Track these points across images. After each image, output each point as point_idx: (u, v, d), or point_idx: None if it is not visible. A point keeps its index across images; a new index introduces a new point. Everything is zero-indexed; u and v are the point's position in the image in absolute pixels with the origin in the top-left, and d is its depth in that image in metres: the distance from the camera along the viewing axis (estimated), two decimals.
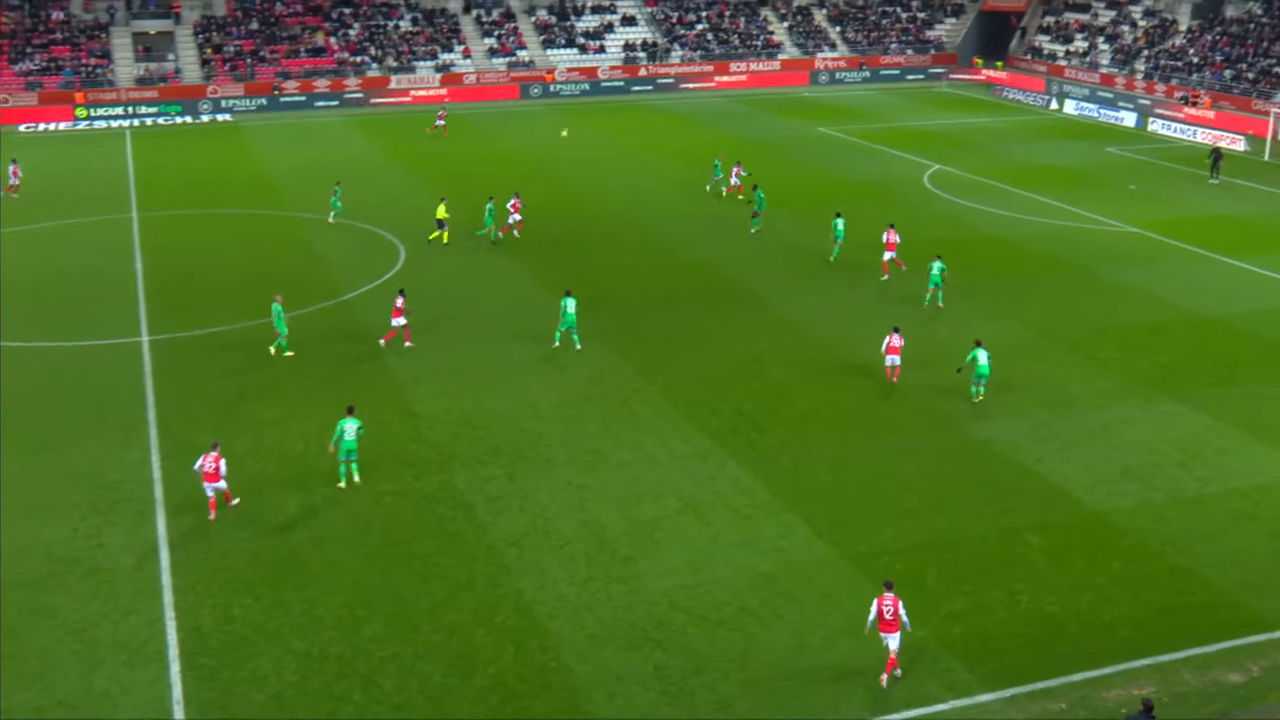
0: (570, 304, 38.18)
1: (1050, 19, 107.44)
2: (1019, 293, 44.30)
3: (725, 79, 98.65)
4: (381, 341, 38.38)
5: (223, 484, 28.50)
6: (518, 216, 50.50)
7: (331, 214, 53.12)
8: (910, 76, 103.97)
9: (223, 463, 28.43)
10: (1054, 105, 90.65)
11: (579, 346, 38.35)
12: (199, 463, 28.51)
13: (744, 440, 32.34)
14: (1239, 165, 68.40)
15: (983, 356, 34.61)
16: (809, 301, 43.28)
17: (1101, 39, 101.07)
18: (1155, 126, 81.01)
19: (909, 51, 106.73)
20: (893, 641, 23.17)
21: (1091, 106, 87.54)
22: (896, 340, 35.74)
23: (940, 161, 66.82)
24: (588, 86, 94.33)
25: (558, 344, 38.39)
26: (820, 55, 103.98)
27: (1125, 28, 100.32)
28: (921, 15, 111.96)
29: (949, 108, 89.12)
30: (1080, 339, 39.75)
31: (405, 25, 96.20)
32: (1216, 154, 66.73)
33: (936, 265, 42.15)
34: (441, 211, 50.08)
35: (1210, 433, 33.00)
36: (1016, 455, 31.66)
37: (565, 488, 29.91)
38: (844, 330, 40.20)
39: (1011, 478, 30.50)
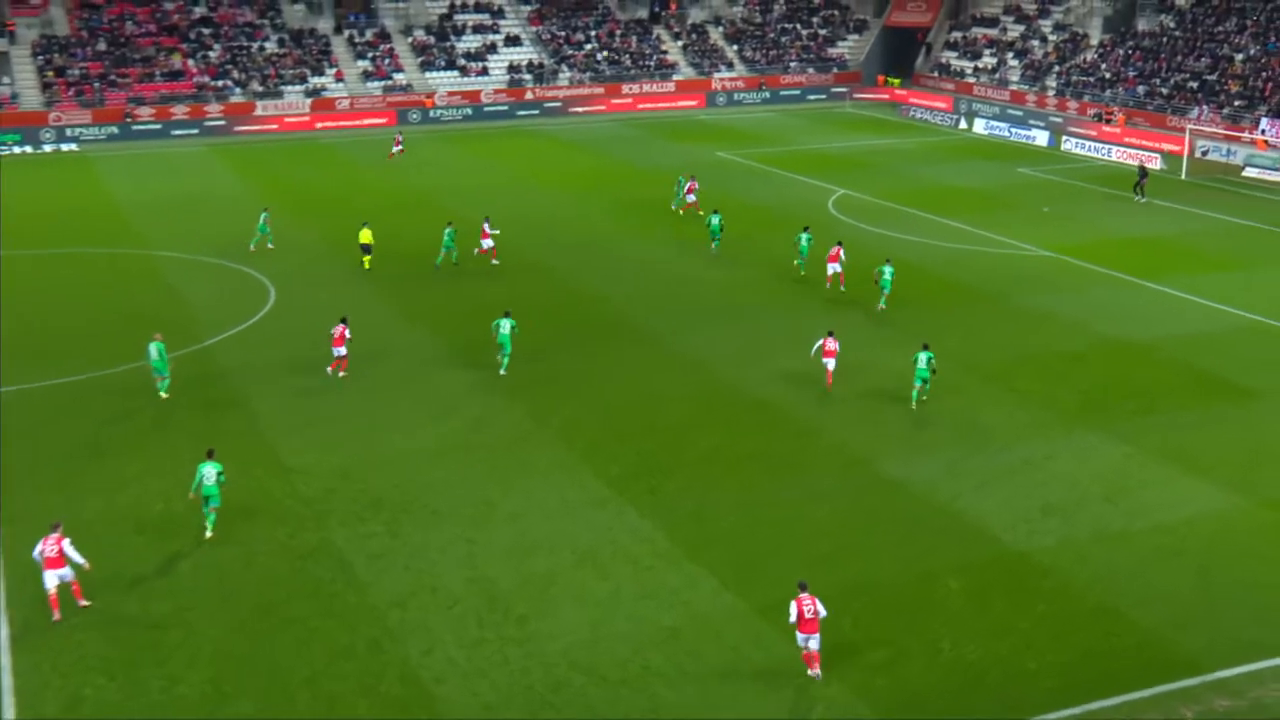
0: (505, 325, 39.56)
1: (958, 34, 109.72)
2: (930, 322, 44.88)
3: (617, 102, 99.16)
4: (329, 369, 39.54)
5: (70, 572, 26.38)
6: (489, 242, 51.76)
7: (253, 242, 54.03)
8: (812, 97, 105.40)
9: (67, 544, 26.36)
10: (963, 124, 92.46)
11: (503, 372, 39.51)
12: (38, 548, 26.43)
13: (644, 485, 32.23)
14: (1156, 184, 70.14)
15: (923, 359, 36.89)
16: (711, 335, 43.45)
17: (1011, 55, 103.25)
18: (1069, 145, 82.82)
19: (810, 70, 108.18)
20: (813, 642, 24.58)
21: (1002, 125, 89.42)
22: (832, 344, 38.33)
23: (845, 186, 67.65)
24: (470, 111, 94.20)
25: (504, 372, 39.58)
26: (717, 75, 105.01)
27: (1035, 43, 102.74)
28: (823, 32, 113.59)
29: (853, 129, 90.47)
30: (996, 369, 40.32)
31: (271, 47, 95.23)
32: (1142, 172, 68.33)
33: (888, 270, 46.04)
34: (366, 235, 51.83)
35: (1134, 464, 33.55)
36: (932, 494, 31.91)
37: (452, 542, 29.54)
38: (749, 366, 40.35)
39: (928, 518, 30.72)
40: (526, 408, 37.04)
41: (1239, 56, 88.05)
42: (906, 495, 31.85)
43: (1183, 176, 72.79)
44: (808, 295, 47.72)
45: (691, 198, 59.59)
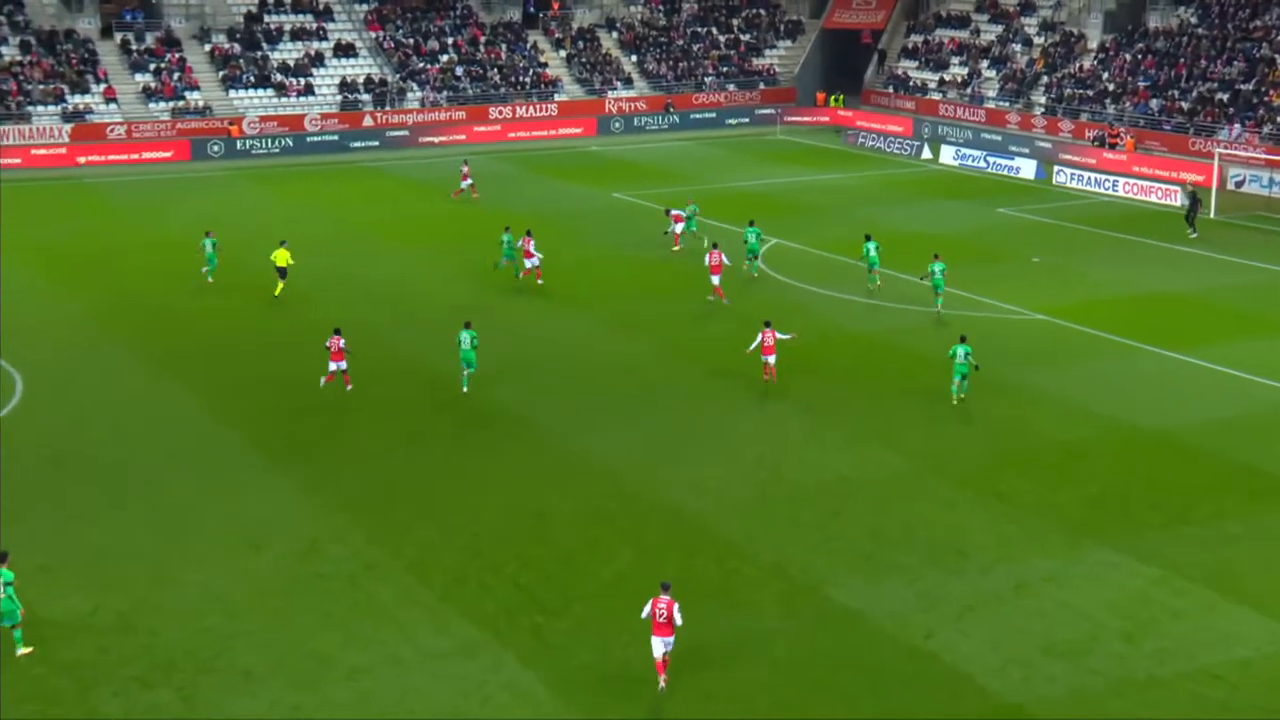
0: (466, 338, 45.90)
1: (917, 38, 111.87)
2: (888, 409, 45.46)
3: (483, 129, 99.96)
4: (323, 381, 46.27)
5: None
6: (534, 261, 58.85)
7: (207, 269, 59.97)
8: (733, 120, 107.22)
9: None
10: (926, 153, 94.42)
11: (465, 389, 46.01)
12: None
13: (526, 626, 32.17)
14: (1175, 225, 71.83)
15: (961, 353, 44.45)
16: (612, 427, 43.79)
17: (986, 63, 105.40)
18: (1062, 178, 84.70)
19: (730, 87, 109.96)
20: (662, 646, 28.93)
21: (976, 153, 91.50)
22: (771, 338, 45.83)
23: (777, 234, 68.53)
24: (290, 142, 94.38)
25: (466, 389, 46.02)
26: (611, 94, 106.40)
27: (1017, 47, 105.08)
28: (746, 38, 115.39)
29: (785, 161, 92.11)
30: (976, 469, 40.77)
31: (9, 52, 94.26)
32: (1194, 201, 69.70)
33: (938, 266, 54.60)
34: (282, 257, 57.75)
35: (1162, 590, 33.87)
36: (900, 630, 32.10)
37: (271, 710, 29.27)
38: (661, 467, 40.59)
39: (894, 661, 30.87)
40: (371, 528, 36.87)
41: None
42: (867, 631, 32.02)
43: (1211, 214, 74.32)
44: (730, 375, 48.32)
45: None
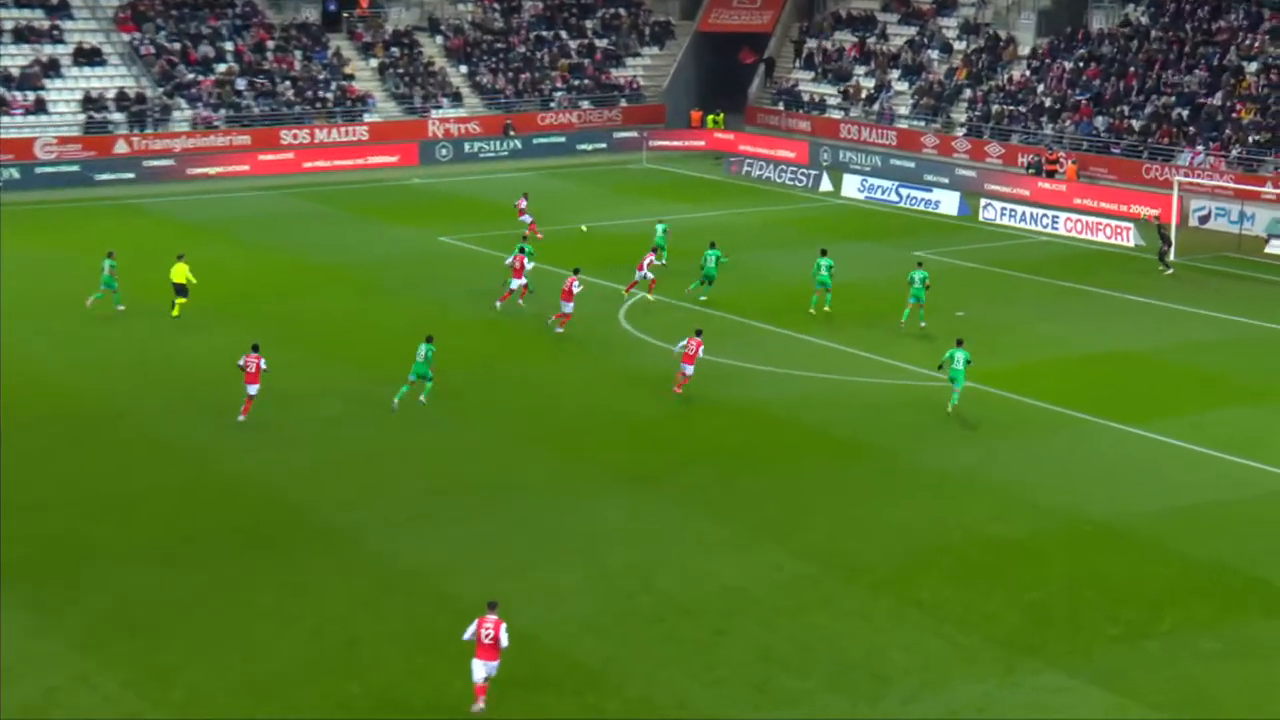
0: (423, 350, 51.80)
1: (813, 43, 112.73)
2: (785, 500, 45.68)
3: (271, 157, 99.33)
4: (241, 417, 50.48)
5: None
6: (520, 282, 65.09)
7: (93, 297, 63.16)
8: (587, 145, 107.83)
9: None
10: (825, 184, 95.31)
11: (423, 399, 51.93)
12: None
13: None
14: (1127, 268, 73.28)
15: (960, 359, 51.38)
16: (438, 532, 43.49)
17: (897, 73, 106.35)
18: (990, 213, 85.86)
19: (584, 105, 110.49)
20: (484, 670, 32.53)
21: (886, 184, 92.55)
22: (695, 348, 53.09)
23: (643, 285, 68.88)
24: (16, 173, 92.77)
25: (397, 403, 51.21)
26: (436, 114, 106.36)
27: (934, 54, 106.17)
28: (603, 44, 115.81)
29: (652, 195, 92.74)
30: (890, 571, 40.83)
31: None
32: (1164, 236, 71.45)
33: (918, 275, 61.59)
34: (180, 273, 62.21)
35: None
36: None
37: None
38: (498, 578, 40.20)
39: None
40: (124, 673, 36.03)
41: (1252, 66, 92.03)
42: None
43: (1170, 256, 75.26)
44: (594, 460, 48.57)
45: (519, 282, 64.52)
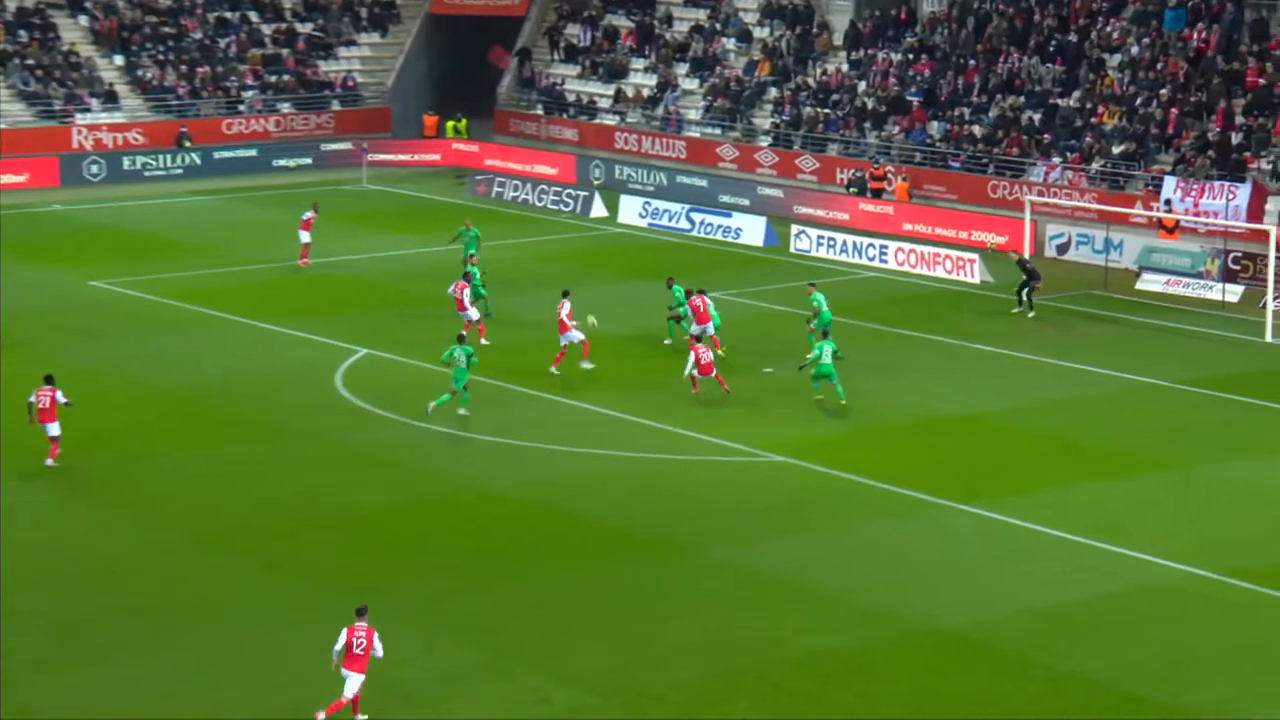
0: (459, 354, 58.75)
1: (576, 32, 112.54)
2: (551, 613, 45.54)
3: None
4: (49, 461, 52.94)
5: None
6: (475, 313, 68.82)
7: None
8: (287, 161, 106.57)
9: None
10: (598, 208, 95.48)
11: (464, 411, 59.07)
12: None
13: None
14: (972, 309, 74.49)
15: (828, 352, 59.16)
16: (96, 669, 42.46)
17: (685, 68, 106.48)
18: (803, 243, 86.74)
19: (283, 108, 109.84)
20: (356, 682, 36.21)
21: (673, 208, 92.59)
22: (707, 356, 61.03)
23: (367, 340, 69.41)
24: None
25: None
26: (83, 119, 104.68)
27: (729, 43, 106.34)
28: (306, 29, 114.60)
29: (374, 225, 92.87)
30: (687, 700, 40.45)
31: None
32: (1028, 271, 72.24)
33: (818, 298, 66.99)
34: None
35: None
36: None
37: None
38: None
39: None
40: None
41: (1115, 59, 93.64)
42: None
43: (1032, 293, 75.68)
44: (296, 569, 48.26)
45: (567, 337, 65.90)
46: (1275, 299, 72.56)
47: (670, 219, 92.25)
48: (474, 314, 68.77)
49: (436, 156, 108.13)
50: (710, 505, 52.73)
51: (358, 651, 36.36)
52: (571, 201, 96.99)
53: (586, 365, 65.58)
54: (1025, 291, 72.77)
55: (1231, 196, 79.32)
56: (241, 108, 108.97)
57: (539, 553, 49.60)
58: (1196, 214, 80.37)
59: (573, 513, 52.61)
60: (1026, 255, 77.23)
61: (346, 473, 55.80)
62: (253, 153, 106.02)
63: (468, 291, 68.87)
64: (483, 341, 67.11)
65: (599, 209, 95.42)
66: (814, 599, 46.25)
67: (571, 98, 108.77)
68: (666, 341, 69.00)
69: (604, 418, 61.24)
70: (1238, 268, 79.21)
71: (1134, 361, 68.06)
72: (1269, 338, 71.52)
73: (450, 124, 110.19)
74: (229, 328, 71.42)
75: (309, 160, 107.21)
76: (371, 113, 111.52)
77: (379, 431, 59.88)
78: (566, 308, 64.85)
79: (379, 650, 36.63)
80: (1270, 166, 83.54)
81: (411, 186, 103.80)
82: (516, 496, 53.74)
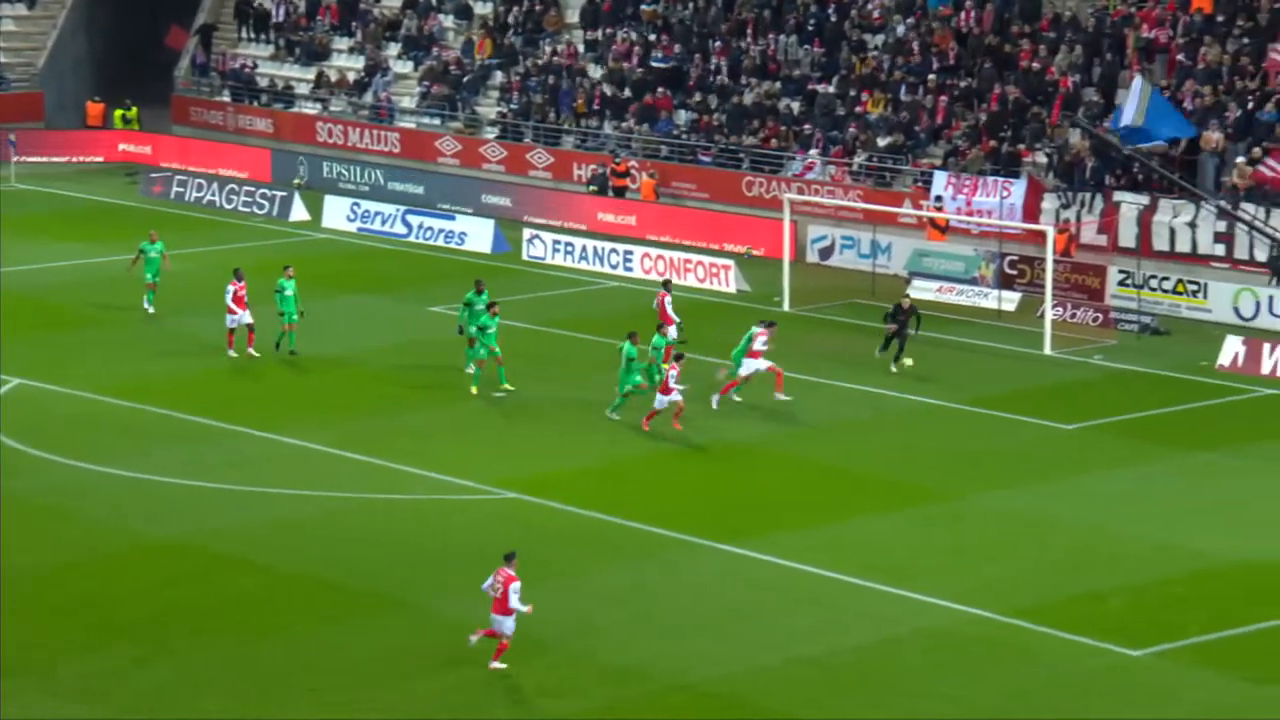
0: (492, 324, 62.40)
1: (266, 4, 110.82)
2: (261, 691, 43.37)
3: None
4: None
5: None
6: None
7: None
8: None
9: None
10: (298, 211, 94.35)
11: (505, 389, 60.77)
12: None
13: None
14: (727, 322, 72.03)
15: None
16: None
17: (395, 48, 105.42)
18: (537, 249, 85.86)
19: None
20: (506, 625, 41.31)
21: (387, 210, 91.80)
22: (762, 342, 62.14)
23: (17, 369, 67.74)
24: None
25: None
26: None
27: (446, 19, 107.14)
28: None
29: (29, 232, 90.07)
30: None
31: None
32: (902, 314, 68.66)
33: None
34: None
35: None
36: None
37: None
38: None
39: None
40: None
41: (875, 40, 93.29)
42: None
43: (784, 306, 75.77)
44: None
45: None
46: (1054, 307, 72.49)
47: (383, 222, 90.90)
48: (246, 318, 67.70)
49: (100, 159, 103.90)
50: (431, 553, 51.68)
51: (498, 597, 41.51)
52: (266, 203, 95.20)
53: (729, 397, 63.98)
54: (897, 339, 70.22)
55: (1006, 194, 79.44)
56: None
57: (229, 615, 47.74)
58: (969, 213, 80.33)
59: (269, 565, 51.02)
60: (785, 261, 76.49)
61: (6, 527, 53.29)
62: None
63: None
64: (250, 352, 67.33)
65: (300, 212, 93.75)
66: (552, 657, 44.89)
67: (264, 82, 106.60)
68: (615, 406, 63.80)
69: (310, 453, 59.93)
70: (1014, 273, 78.94)
71: (906, 381, 67.43)
72: (1048, 349, 71.76)
73: (119, 113, 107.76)
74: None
75: None
76: (19, 98, 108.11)
77: (34, 477, 57.23)
78: None
79: (513, 601, 40.95)
80: (1046, 160, 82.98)
81: (73, 186, 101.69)
82: (203, 547, 51.74)
